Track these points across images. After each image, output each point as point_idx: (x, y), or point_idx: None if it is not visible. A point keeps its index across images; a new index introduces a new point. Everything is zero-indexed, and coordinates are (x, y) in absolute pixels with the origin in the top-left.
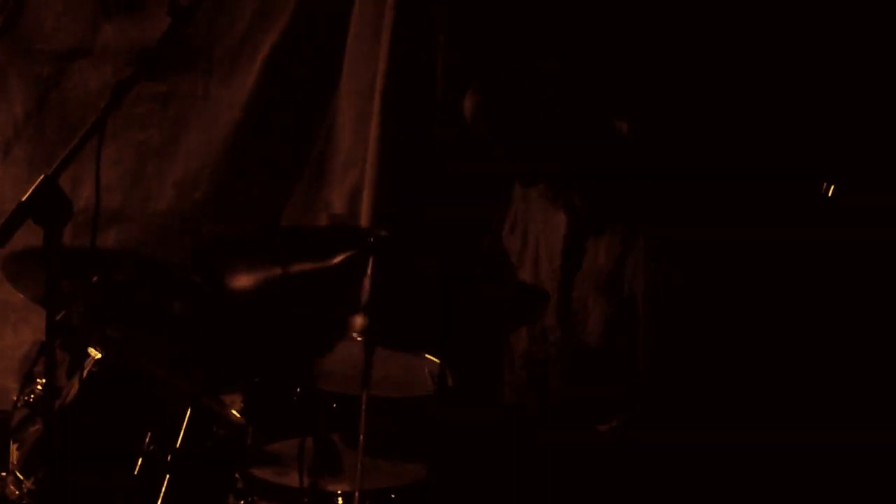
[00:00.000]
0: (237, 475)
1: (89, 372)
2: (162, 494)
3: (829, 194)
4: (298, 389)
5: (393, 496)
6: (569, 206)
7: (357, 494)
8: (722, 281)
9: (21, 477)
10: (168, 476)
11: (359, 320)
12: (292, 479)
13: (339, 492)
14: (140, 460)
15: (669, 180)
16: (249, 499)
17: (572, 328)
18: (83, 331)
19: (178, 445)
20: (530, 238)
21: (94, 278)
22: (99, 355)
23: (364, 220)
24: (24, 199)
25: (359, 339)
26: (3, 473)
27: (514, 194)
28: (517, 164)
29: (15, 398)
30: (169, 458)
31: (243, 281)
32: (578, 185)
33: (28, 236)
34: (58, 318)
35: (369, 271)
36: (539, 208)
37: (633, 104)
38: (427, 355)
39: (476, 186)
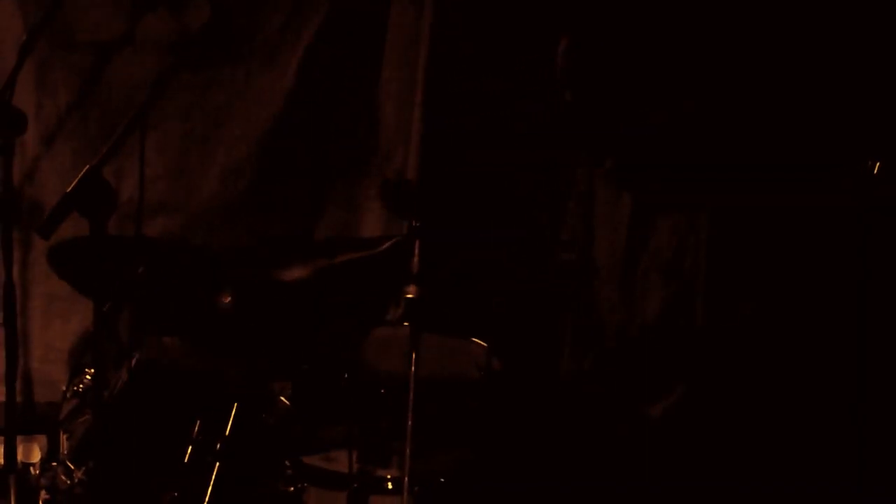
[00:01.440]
0: (286, 462)
1: (137, 361)
2: (212, 482)
3: (876, 172)
4: (346, 376)
5: (442, 480)
6: (634, 186)
7: (406, 480)
8: (785, 263)
9: (72, 467)
10: (218, 464)
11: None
12: (341, 465)
13: (389, 477)
14: (190, 448)
15: (732, 160)
16: (299, 485)
17: (633, 306)
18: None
19: (227, 433)
20: (592, 215)
21: (141, 269)
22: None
23: None
24: (69, 190)
25: (405, 324)
26: (54, 463)
27: (577, 177)
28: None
29: (64, 389)
30: (218, 445)
31: (294, 273)
32: (644, 167)
33: (74, 228)
34: (105, 308)
35: (415, 256)
36: (601, 189)
37: (680, 89)
38: (474, 339)
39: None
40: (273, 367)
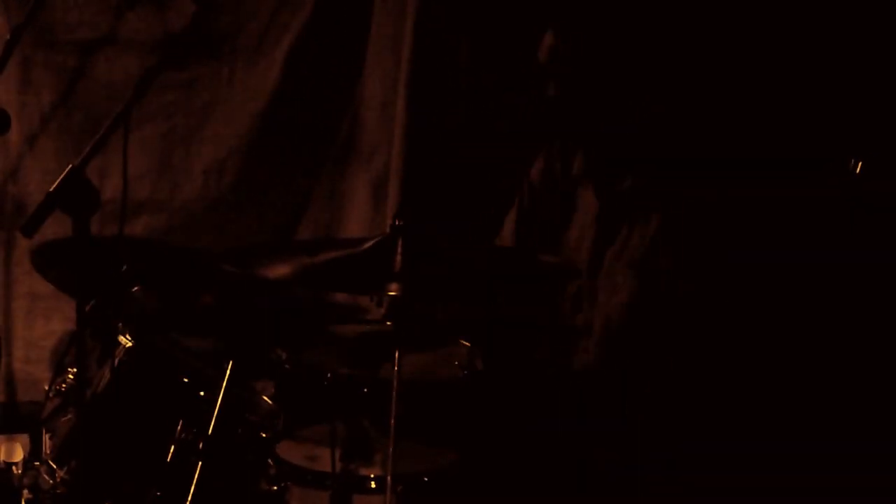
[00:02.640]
0: (269, 461)
1: (120, 360)
2: (194, 481)
3: (858, 171)
4: (329, 375)
5: (426, 479)
6: (601, 187)
7: (389, 479)
8: (763, 257)
9: (54, 466)
10: (200, 463)
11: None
12: (324, 464)
13: (372, 476)
14: (172, 447)
15: (701, 161)
16: (282, 484)
17: (601, 305)
18: (113, 320)
19: (209, 432)
20: (570, 214)
21: (124, 267)
22: (129, 343)
23: (391, 206)
24: (52, 189)
25: (389, 324)
26: (37, 463)
27: (553, 174)
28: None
29: (47, 388)
30: (201, 444)
31: (277, 270)
32: (611, 167)
33: (57, 227)
34: (87, 307)
35: (398, 256)
36: (574, 185)
37: (662, 84)
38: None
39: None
40: (256, 365)
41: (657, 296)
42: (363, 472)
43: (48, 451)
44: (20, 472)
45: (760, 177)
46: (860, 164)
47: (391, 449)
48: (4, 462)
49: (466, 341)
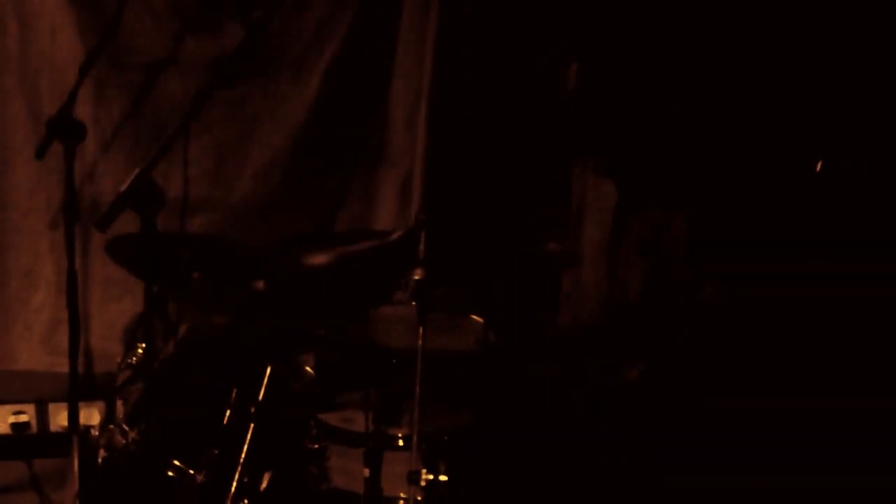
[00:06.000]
0: (311, 423)
1: (182, 337)
2: (247, 441)
3: (818, 169)
4: (363, 348)
5: (446, 438)
6: (620, 179)
7: (415, 438)
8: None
9: (126, 428)
10: (252, 425)
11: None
12: (359, 426)
13: (400, 435)
14: (228, 412)
15: (709, 158)
16: (322, 443)
17: (616, 284)
18: (177, 302)
19: (260, 399)
20: (583, 206)
21: (186, 257)
22: (190, 322)
23: (415, 204)
24: (122, 189)
25: (413, 303)
26: (111, 426)
27: (573, 170)
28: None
29: (119, 361)
30: (253, 410)
31: (317, 258)
32: (629, 160)
33: (127, 222)
34: (154, 291)
35: (421, 246)
36: (590, 181)
37: (671, 90)
38: (473, 316)
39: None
40: (300, 340)
41: (666, 284)
42: (392, 432)
43: (121, 416)
44: (97, 433)
45: (746, 177)
46: (819, 163)
47: (416, 412)
48: (84, 425)
49: (479, 317)
